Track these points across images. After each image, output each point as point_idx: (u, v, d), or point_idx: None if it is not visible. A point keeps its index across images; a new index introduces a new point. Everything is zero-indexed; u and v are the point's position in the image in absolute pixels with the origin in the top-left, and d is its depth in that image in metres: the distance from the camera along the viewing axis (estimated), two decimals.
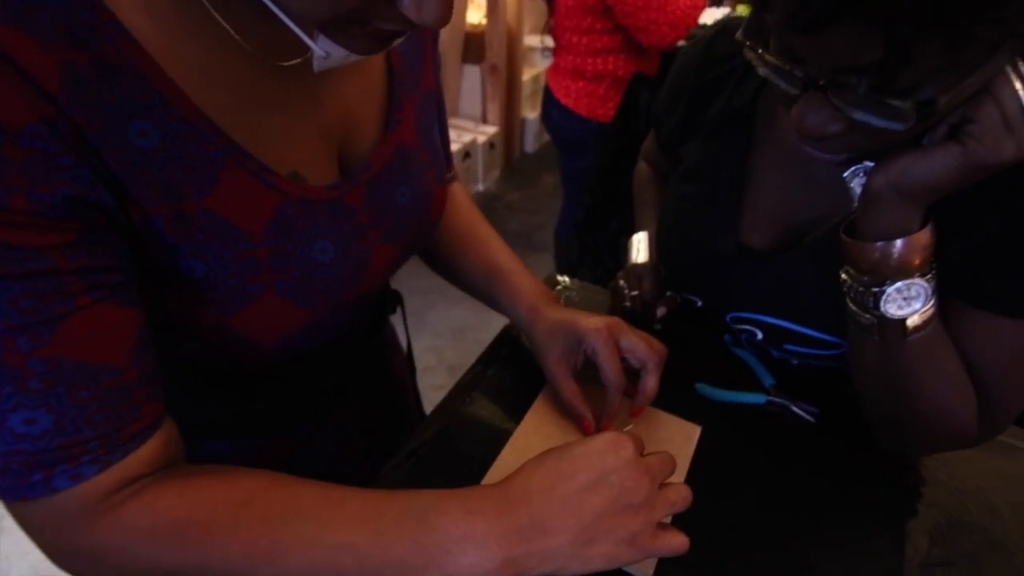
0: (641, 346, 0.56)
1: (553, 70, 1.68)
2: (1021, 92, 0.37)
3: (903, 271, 0.45)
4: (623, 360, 0.57)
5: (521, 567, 0.37)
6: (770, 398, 0.63)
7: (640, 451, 0.42)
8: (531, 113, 3.19)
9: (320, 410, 0.62)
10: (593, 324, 0.56)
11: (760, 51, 0.41)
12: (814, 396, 0.62)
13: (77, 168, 0.32)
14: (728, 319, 0.64)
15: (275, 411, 0.58)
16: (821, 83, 0.39)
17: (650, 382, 0.56)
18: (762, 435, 0.60)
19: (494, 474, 0.54)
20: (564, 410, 0.60)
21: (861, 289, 0.47)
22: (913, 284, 0.45)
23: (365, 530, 0.37)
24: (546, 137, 3.30)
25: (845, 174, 0.53)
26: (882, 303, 0.46)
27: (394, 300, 0.69)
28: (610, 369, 0.55)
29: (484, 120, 2.98)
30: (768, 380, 0.64)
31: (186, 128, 0.36)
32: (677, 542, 0.41)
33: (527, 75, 3.12)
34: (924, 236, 0.44)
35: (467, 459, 0.56)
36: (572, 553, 0.38)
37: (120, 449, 0.36)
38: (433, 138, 0.57)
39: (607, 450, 0.40)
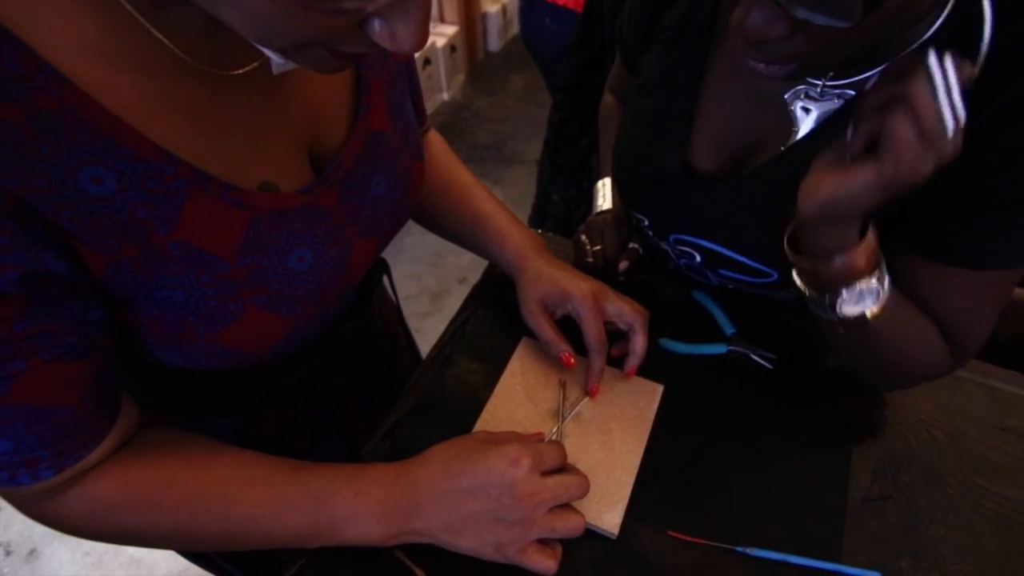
0: (627, 309, 0.60)
1: None
2: (940, 92, 0.34)
3: (852, 276, 0.45)
4: (608, 323, 0.61)
5: (399, 539, 0.46)
6: (730, 347, 0.65)
7: (542, 469, 0.46)
8: (492, 6, 2.96)
9: (313, 383, 0.63)
10: (581, 289, 0.60)
11: None
12: (771, 342, 0.65)
13: (17, 245, 0.31)
14: (671, 239, 0.65)
15: (268, 393, 0.59)
16: None
17: (639, 342, 0.60)
18: (723, 384, 0.63)
19: (484, 419, 0.59)
20: (541, 359, 0.63)
21: (815, 295, 0.48)
22: (862, 286, 0.46)
23: (269, 507, 0.44)
24: (511, 33, 3.09)
25: (786, 95, 0.51)
26: (838, 307, 0.47)
27: (379, 272, 0.68)
28: (593, 333, 0.59)
29: (442, 19, 2.75)
30: (729, 329, 0.66)
31: (142, 165, 0.35)
32: (543, 565, 0.46)
33: None
34: (866, 243, 0.44)
35: (443, 434, 0.58)
36: (441, 536, 0.46)
37: (72, 457, 0.40)
38: (406, 114, 0.54)
39: (499, 466, 0.45)
